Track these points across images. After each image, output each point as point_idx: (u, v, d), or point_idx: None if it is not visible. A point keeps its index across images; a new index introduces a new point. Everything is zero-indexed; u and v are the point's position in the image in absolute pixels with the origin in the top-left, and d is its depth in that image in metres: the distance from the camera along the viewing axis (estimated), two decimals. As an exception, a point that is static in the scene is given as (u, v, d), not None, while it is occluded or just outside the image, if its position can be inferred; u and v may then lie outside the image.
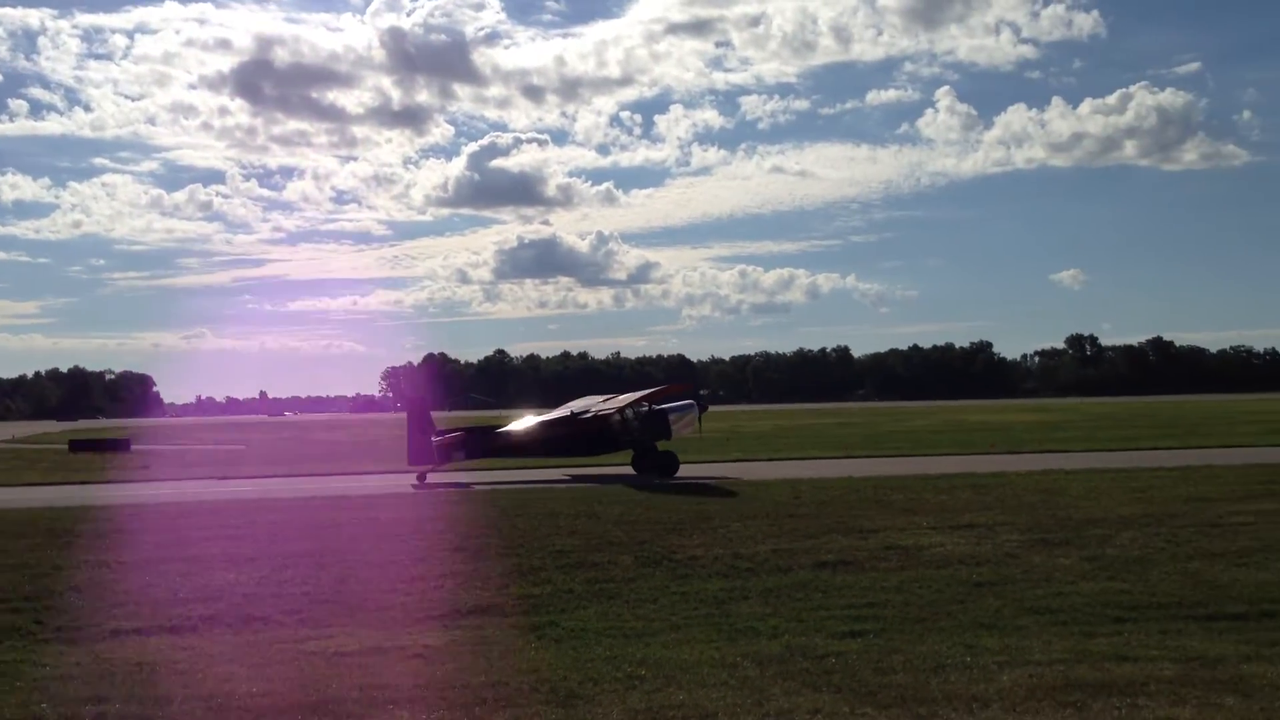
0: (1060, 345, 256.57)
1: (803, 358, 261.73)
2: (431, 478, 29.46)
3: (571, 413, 33.22)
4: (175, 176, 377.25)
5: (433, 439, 30.25)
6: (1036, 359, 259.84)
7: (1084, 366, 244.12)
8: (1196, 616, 12.03)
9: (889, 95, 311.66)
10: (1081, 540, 16.85)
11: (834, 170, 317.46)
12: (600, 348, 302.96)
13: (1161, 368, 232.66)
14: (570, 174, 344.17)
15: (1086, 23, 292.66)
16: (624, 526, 18.91)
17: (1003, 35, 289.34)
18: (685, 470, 30.89)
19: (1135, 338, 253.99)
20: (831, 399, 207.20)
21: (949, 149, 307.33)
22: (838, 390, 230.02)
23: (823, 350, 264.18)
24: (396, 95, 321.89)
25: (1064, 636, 11.32)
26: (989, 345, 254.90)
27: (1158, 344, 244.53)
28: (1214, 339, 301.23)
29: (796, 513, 20.41)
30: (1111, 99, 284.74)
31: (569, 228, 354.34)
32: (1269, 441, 40.62)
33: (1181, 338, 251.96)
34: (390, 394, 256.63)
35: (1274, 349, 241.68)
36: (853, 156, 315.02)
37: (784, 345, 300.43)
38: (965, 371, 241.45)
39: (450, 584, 14.69)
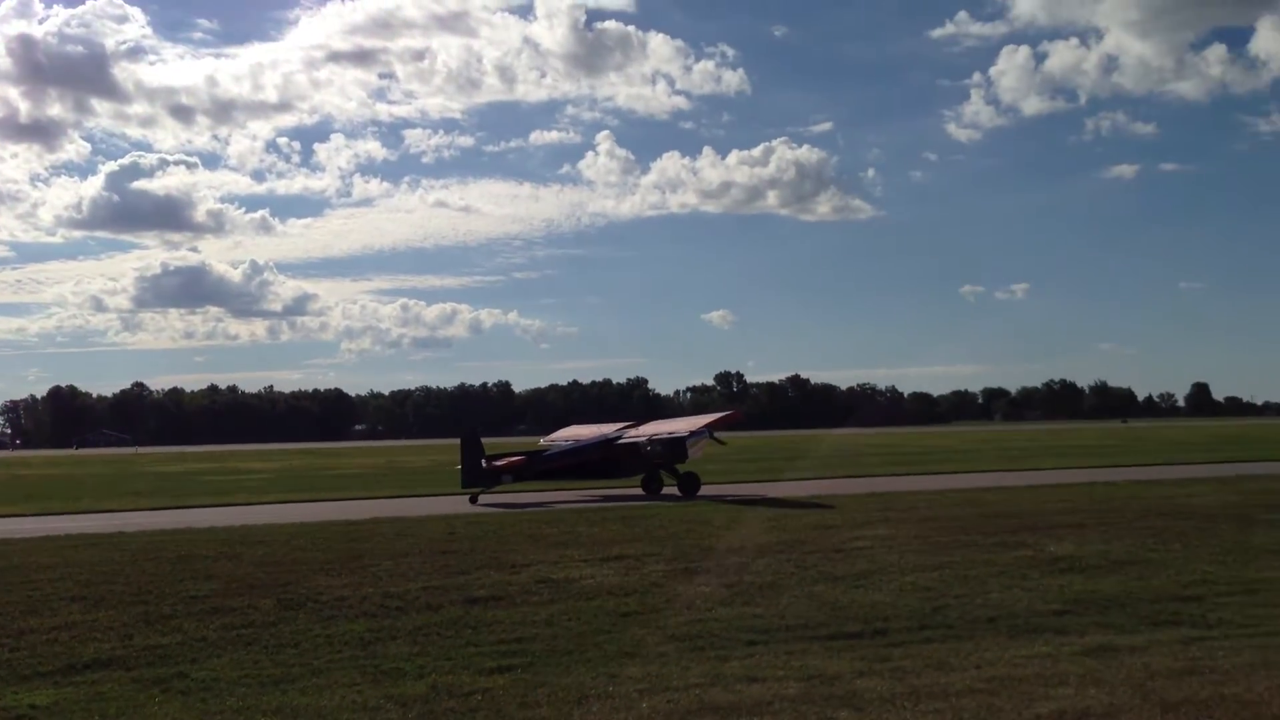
0: (710, 382, 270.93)
1: (464, 392, 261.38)
2: (483, 499, 32.44)
3: (607, 438, 35.98)
4: None
5: (483, 463, 33.09)
6: (688, 394, 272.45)
7: (732, 402, 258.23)
8: (819, 637, 12.82)
9: (552, 136, 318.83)
10: (721, 568, 17.68)
11: (497, 207, 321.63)
12: (252, 381, 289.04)
13: (799, 403, 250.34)
14: (222, 199, 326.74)
15: (734, 80, 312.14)
16: (267, 568, 18.03)
17: (659, 86, 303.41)
18: (330, 510, 30.00)
19: (776, 375, 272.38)
20: (493, 434, 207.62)
21: (608, 191, 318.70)
22: (499, 425, 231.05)
23: (484, 385, 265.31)
24: (24, 107, 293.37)
25: (701, 661, 11.77)
26: (645, 381, 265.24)
27: (796, 381, 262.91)
28: (843, 376, 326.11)
29: (450, 549, 20.22)
30: (756, 151, 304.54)
31: (220, 255, 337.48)
32: (888, 471, 44.54)
33: (816, 375, 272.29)
34: (9, 430, 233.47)
35: (893, 386, 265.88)
36: (516, 194, 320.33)
37: (445, 380, 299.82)
38: (622, 406, 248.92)
39: (64, 636, 13.41)
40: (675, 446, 34.65)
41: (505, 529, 23.08)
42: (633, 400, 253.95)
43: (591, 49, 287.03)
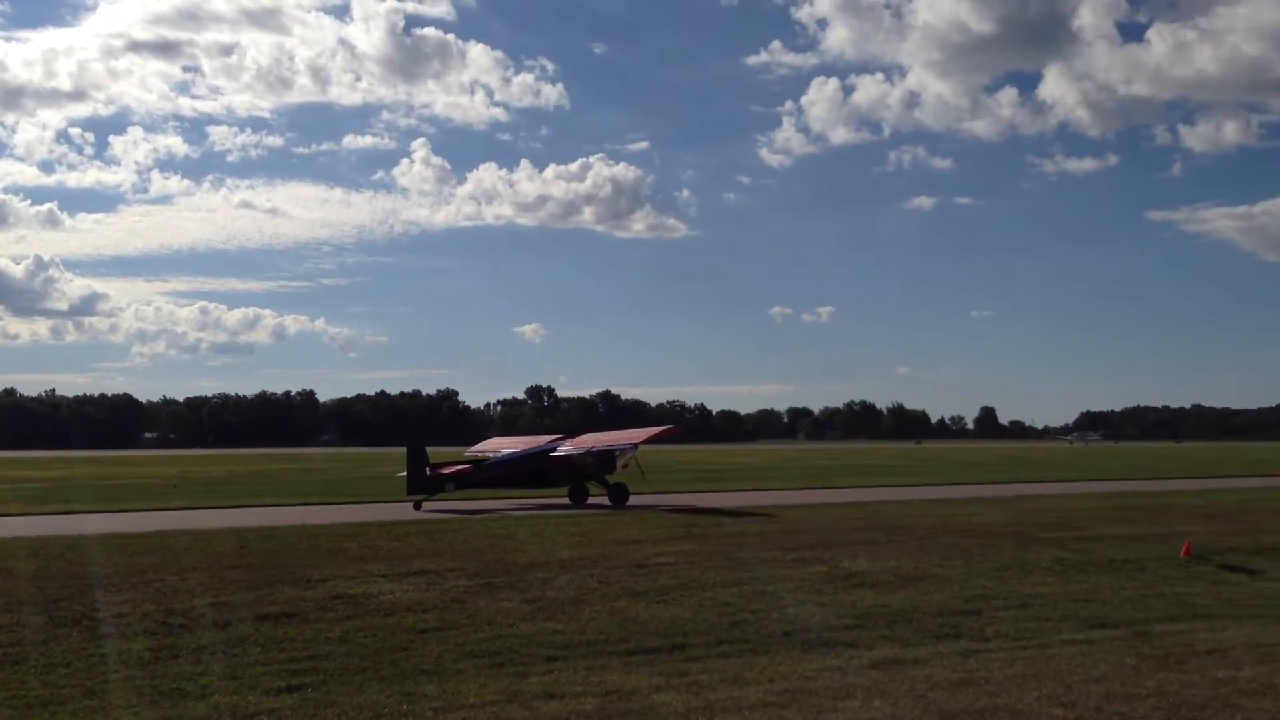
0: (521, 395, 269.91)
1: (265, 400, 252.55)
2: (427, 505, 33.85)
3: (545, 450, 37.57)
4: None
5: (426, 471, 34.41)
6: (499, 408, 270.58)
7: (542, 416, 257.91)
8: (619, 652, 12.86)
9: (366, 141, 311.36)
10: (524, 583, 17.58)
11: (306, 210, 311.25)
12: (32, 384, 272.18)
13: (610, 419, 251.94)
14: (6, 190, 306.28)
15: (553, 94, 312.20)
16: (39, 583, 16.98)
17: (478, 96, 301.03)
18: (116, 522, 28.46)
19: (588, 390, 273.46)
20: (294, 444, 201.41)
21: (423, 199, 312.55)
22: (301, 436, 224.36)
23: (287, 393, 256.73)
24: None
25: (499, 678, 11.64)
26: (455, 393, 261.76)
27: (607, 396, 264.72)
28: (653, 393, 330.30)
29: (242, 563, 19.47)
30: (573, 167, 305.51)
31: (1, 249, 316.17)
32: (698, 488, 45.21)
33: (627, 391, 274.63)
34: None
35: (703, 404, 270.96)
36: (326, 198, 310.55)
37: (245, 387, 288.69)
38: (431, 419, 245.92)
39: None
40: (606, 459, 36.89)
41: (302, 543, 22.36)
42: (442, 412, 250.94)
43: (409, 55, 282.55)
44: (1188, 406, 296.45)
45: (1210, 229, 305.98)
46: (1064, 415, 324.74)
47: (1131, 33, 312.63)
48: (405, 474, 34.72)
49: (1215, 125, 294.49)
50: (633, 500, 35.08)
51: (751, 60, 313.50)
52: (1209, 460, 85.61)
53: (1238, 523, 27.52)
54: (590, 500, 36.14)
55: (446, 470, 35.33)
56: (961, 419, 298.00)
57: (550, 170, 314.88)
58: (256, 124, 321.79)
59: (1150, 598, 16.63)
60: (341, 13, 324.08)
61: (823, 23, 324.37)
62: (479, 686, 11.22)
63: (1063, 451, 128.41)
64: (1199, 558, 21.09)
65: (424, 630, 14.08)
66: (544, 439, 40.05)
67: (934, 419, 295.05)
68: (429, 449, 35.76)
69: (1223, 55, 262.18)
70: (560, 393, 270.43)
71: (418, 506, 33.70)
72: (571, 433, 42.53)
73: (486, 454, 40.38)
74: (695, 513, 30.36)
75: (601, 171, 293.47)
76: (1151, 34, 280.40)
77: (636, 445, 38.30)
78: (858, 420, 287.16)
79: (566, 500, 36.35)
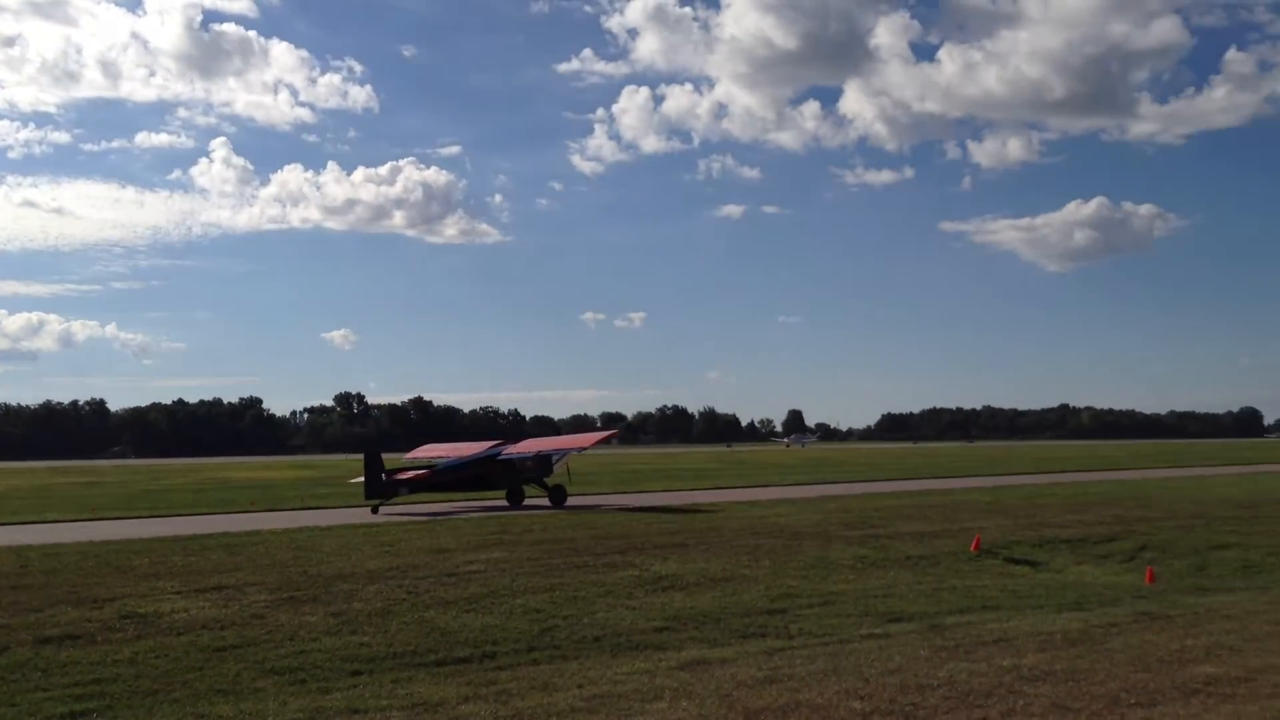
0: (329, 403, 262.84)
1: (50, 411, 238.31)
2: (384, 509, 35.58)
3: (490, 455, 39.95)
4: None
5: (382, 476, 36.44)
6: (306, 416, 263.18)
7: (351, 423, 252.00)
8: (427, 663, 12.65)
9: (161, 139, 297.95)
10: (329, 596, 17.09)
11: (96, 210, 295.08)
12: None
13: (422, 425, 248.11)
14: None
15: (361, 96, 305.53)
16: None
17: (281, 95, 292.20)
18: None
19: (399, 396, 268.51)
20: (82, 456, 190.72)
21: (224, 200, 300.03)
22: (90, 448, 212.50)
23: (75, 403, 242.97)
24: None
25: (301, 695, 11.27)
26: (259, 401, 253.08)
27: (419, 403, 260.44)
28: (466, 399, 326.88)
29: (22, 583, 18.31)
30: (383, 170, 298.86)
31: None
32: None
33: (439, 398, 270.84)
34: None
35: (516, 409, 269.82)
36: (118, 198, 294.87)
37: (28, 397, 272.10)
38: (233, 428, 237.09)
39: None
40: (544, 462, 39.64)
41: (88, 560, 21.16)
42: (245, 421, 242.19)
43: (207, 51, 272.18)
44: (979, 408, 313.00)
45: (997, 240, 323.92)
46: (867, 417, 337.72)
47: (924, 52, 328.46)
48: (363, 479, 36.80)
49: (1001, 142, 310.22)
50: (442, 507, 34.65)
51: (563, 67, 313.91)
52: (998, 459, 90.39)
53: (1023, 518, 29.10)
54: (526, 501, 38.54)
55: (401, 476, 37.51)
56: (770, 422, 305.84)
57: (359, 173, 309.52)
58: (41, 119, 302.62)
59: (943, 591, 17.42)
60: (134, 5, 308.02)
61: (633, 32, 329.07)
62: (279, 705, 10.84)
63: (863, 452, 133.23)
64: (988, 552, 22.23)
65: (220, 649, 13.52)
66: (482, 445, 42.25)
67: (744, 422, 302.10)
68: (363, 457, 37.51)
69: (1007, 76, 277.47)
70: (371, 399, 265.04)
71: (375, 510, 35.51)
72: (513, 438, 45.53)
73: (421, 460, 42.81)
74: (507, 519, 30.18)
75: (412, 175, 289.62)
76: (942, 54, 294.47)
77: (582, 449, 42.14)
78: (670, 424, 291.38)
79: (505, 502, 38.70)
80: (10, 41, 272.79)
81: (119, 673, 12.35)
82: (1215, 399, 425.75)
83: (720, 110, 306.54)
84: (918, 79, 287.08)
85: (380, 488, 36.38)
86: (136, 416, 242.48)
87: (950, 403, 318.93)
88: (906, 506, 33.64)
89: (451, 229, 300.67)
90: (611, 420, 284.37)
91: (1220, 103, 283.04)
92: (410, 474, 38.09)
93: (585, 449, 42.51)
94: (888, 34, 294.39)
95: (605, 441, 49.57)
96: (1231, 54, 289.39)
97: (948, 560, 21.12)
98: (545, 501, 37.70)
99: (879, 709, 10.12)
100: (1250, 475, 54.90)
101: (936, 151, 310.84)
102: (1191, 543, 23.88)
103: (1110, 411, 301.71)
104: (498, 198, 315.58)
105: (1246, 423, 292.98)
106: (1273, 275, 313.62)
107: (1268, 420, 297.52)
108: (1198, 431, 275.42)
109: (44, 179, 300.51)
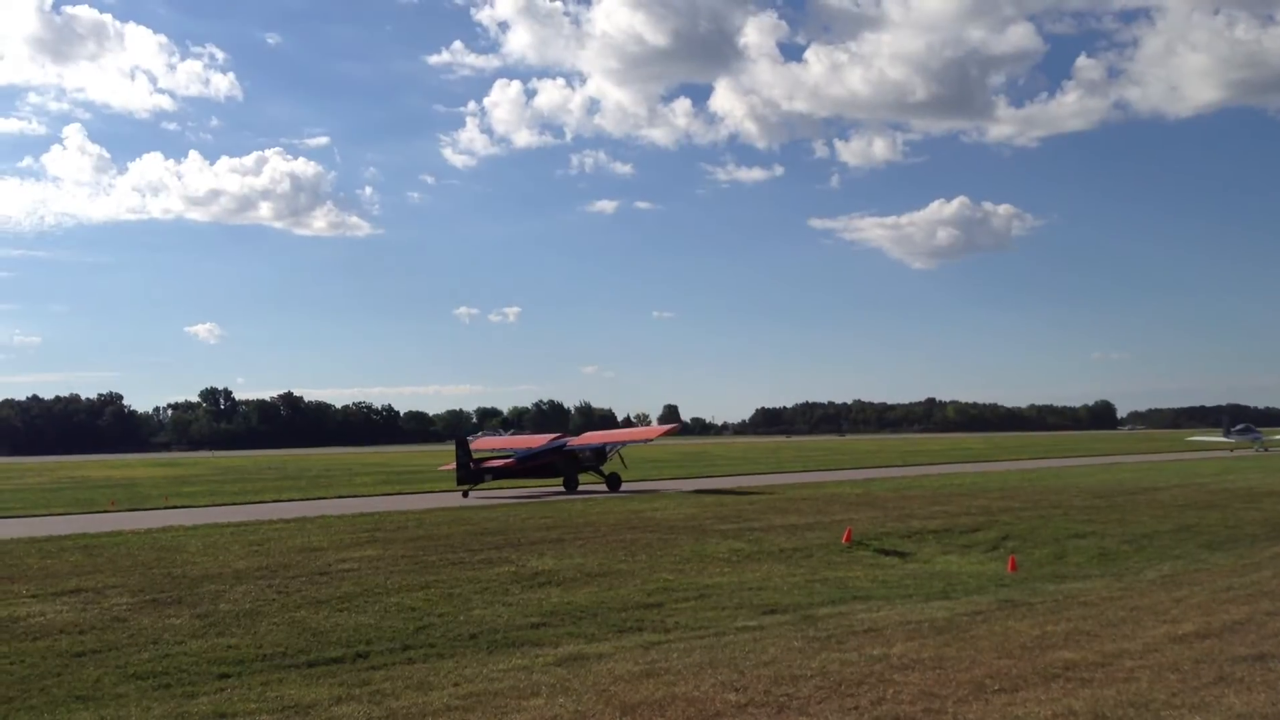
0: (195, 398, 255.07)
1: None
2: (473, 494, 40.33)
3: (556, 446, 44.93)
4: None
5: (470, 465, 41.47)
6: (170, 412, 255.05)
7: (218, 420, 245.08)
8: (298, 665, 12.39)
9: (11, 125, 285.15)
10: (195, 598, 16.60)
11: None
12: None
13: (292, 421, 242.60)
14: None
15: (223, 84, 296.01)
16: None
17: (139, 81, 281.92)
18: None
19: (268, 392, 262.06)
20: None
21: (79, 189, 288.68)
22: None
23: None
24: None
25: (165, 700, 10.92)
26: (120, 397, 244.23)
27: (289, 399, 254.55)
28: (338, 395, 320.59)
29: None
30: (248, 160, 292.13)
31: None
32: (380, 491, 44.29)
33: (310, 393, 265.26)
34: None
35: (390, 405, 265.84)
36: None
37: None
38: (92, 425, 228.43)
39: None
40: (600, 454, 45.36)
41: (-64, 564, 20.14)
42: (105, 417, 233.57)
43: (59, 34, 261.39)
44: (850, 402, 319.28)
45: (864, 237, 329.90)
46: (741, 412, 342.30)
47: (792, 53, 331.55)
48: (454, 467, 41.60)
49: (867, 142, 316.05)
50: (310, 505, 33.91)
51: (433, 59, 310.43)
52: (868, 452, 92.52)
53: (892, 510, 29.85)
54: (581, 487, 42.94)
55: (487, 464, 42.43)
56: (646, 417, 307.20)
57: (223, 163, 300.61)
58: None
59: (816, 583, 17.76)
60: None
61: (504, 25, 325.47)
62: (142, 710, 10.49)
63: (739, 445, 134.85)
64: (859, 544, 22.73)
65: (80, 654, 13.03)
66: (544, 438, 47.92)
67: (620, 417, 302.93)
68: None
69: (871, 78, 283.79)
70: (239, 395, 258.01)
71: (465, 495, 40.26)
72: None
73: (502, 450, 47.61)
74: (380, 516, 29.72)
75: (279, 166, 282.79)
76: (810, 55, 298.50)
77: (648, 440, 53.42)
78: (546, 419, 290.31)
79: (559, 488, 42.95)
80: None
81: (-31, 681, 11.80)
82: (1071, 393, 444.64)
83: (592, 106, 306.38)
84: (786, 78, 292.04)
85: (469, 474, 41.21)
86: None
87: (822, 397, 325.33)
88: (780, 499, 34.17)
89: (320, 221, 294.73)
90: (487, 415, 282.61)
91: (1071, 107, 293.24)
92: (497, 462, 42.87)
93: (651, 440, 51.59)
94: (756, 33, 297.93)
95: (669, 434, 62.10)
96: (1082, 60, 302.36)
97: (820, 552, 21.53)
98: (602, 487, 42.50)
99: (754, 700, 10.26)
100: (1105, 466, 57.31)
101: (805, 150, 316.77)
102: (1051, 532, 24.82)
103: (974, 405, 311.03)
104: (368, 190, 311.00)
105: (1101, 416, 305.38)
106: (1120, 274, 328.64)
107: (1120, 413, 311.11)
108: (1056, 424, 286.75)
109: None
